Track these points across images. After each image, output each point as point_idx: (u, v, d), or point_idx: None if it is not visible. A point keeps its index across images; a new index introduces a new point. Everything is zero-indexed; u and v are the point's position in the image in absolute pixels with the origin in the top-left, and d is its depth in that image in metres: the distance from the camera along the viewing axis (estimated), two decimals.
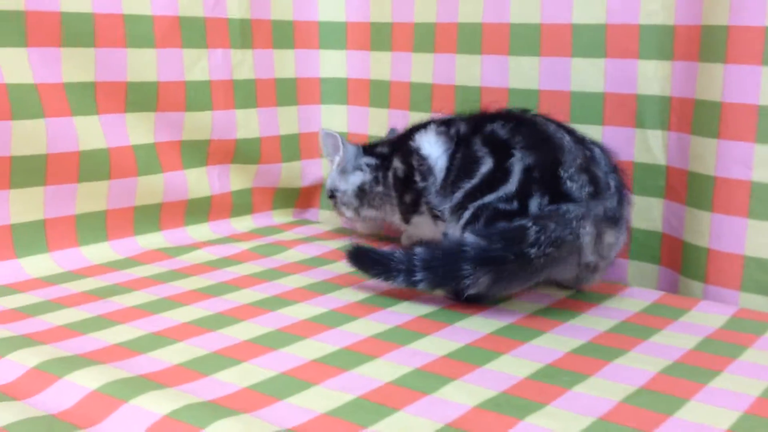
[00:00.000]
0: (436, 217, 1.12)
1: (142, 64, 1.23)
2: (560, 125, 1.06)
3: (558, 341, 0.90)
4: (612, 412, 0.73)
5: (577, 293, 1.07)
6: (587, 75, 1.18)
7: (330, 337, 0.91)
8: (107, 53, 1.19)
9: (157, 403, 0.71)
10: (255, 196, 1.45)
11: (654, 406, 0.74)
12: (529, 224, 0.93)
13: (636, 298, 1.06)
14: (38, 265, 1.14)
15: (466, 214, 1.02)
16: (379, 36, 1.41)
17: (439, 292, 1.04)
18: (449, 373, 0.81)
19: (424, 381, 0.79)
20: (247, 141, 1.40)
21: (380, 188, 1.23)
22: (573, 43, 1.18)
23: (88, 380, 0.76)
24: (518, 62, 1.23)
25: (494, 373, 0.81)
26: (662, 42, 1.12)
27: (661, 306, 1.02)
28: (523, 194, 0.98)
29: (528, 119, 1.07)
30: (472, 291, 0.94)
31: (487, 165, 1.02)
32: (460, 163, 1.06)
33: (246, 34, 1.37)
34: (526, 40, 1.22)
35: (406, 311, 1.00)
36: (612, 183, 1.01)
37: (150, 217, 1.29)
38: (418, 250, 0.97)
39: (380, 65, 1.42)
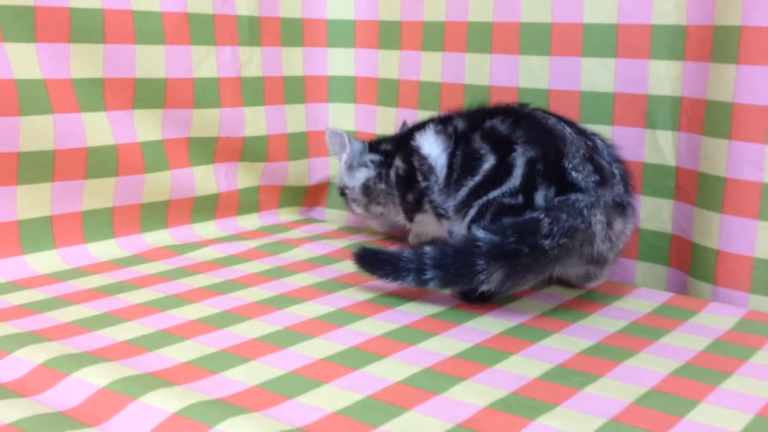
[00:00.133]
0: (440, 216, 1.11)
1: (151, 61, 1.23)
2: (560, 118, 1.06)
3: (568, 342, 0.90)
4: (623, 414, 0.73)
5: (585, 294, 1.07)
6: (597, 75, 1.18)
7: (338, 336, 0.90)
8: (116, 49, 1.19)
9: (166, 401, 0.71)
10: (262, 194, 1.44)
11: (665, 408, 0.74)
12: (542, 216, 0.93)
13: (645, 299, 1.05)
14: (45, 261, 1.13)
15: (471, 212, 1.02)
16: (387, 34, 1.41)
17: (447, 292, 1.03)
18: (459, 373, 0.81)
19: (433, 381, 0.79)
20: (255, 139, 1.39)
21: (383, 186, 1.23)
22: (584, 42, 1.18)
23: (96, 377, 0.76)
24: (528, 61, 1.23)
25: (504, 373, 0.81)
26: (674, 42, 1.12)
27: (670, 307, 1.02)
28: (527, 188, 0.98)
29: (527, 113, 1.06)
30: (485, 287, 0.93)
31: (489, 161, 1.02)
32: (462, 161, 1.06)
33: (254, 31, 1.36)
34: (537, 39, 1.22)
35: (415, 311, 0.99)
36: (617, 171, 1.02)
37: (157, 214, 1.29)
38: (428, 248, 0.97)
39: (389, 64, 1.42)
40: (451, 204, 1.07)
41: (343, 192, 1.30)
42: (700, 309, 1.01)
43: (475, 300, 1.00)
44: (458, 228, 1.04)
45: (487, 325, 0.95)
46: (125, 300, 1.01)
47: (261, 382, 0.78)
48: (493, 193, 1.00)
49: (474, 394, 0.76)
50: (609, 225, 0.98)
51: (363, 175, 1.26)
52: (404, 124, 1.32)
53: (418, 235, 1.27)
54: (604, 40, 1.16)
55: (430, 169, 1.10)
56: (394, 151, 1.21)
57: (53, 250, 1.15)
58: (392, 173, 1.20)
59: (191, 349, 0.86)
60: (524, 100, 1.20)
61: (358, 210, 1.30)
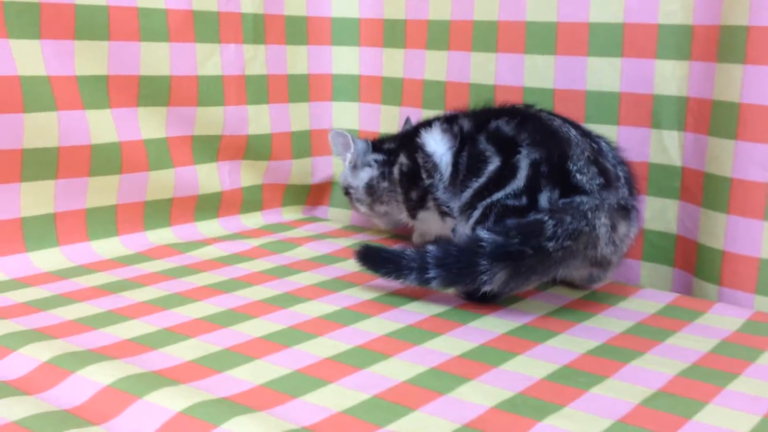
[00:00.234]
0: (443, 213, 1.11)
1: (155, 58, 1.23)
2: (565, 120, 1.05)
3: (573, 342, 0.90)
4: (630, 415, 0.72)
5: (590, 294, 1.06)
6: (603, 74, 1.17)
7: (343, 335, 0.90)
8: (120, 46, 1.19)
9: (171, 400, 0.71)
10: (265, 192, 1.44)
11: (672, 409, 0.74)
12: (546, 218, 0.93)
13: (650, 299, 1.05)
14: (48, 259, 1.13)
15: (476, 214, 1.01)
16: (392, 33, 1.41)
17: (451, 292, 1.03)
18: (465, 373, 0.80)
19: (439, 381, 0.78)
20: (258, 137, 1.39)
21: (386, 184, 1.23)
22: (590, 42, 1.17)
23: (100, 375, 0.75)
24: (534, 61, 1.22)
25: (510, 373, 0.81)
26: (680, 42, 1.11)
27: (675, 308, 1.02)
28: (531, 189, 0.98)
29: (532, 114, 1.06)
30: (487, 288, 0.93)
31: (494, 163, 1.02)
32: (467, 162, 1.06)
33: (259, 29, 1.36)
34: (542, 38, 1.21)
35: (419, 310, 0.99)
36: (621, 174, 1.02)
37: (160, 212, 1.28)
38: (431, 247, 0.97)
39: (393, 62, 1.41)
40: (456, 204, 1.07)
41: (347, 192, 1.30)
42: (705, 310, 1.01)
43: (479, 300, 1.00)
44: (463, 228, 1.04)
45: (491, 325, 0.94)
46: (129, 298, 1.00)
47: (266, 381, 0.77)
48: (497, 195, 0.99)
49: (480, 395, 0.76)
50: (613, 228, 0.97)
51: (367, 174, 1.26)
52: (407, 121, 1.32)
53: (422, 234, 1.27)
54: (610, 40, 1.16)
55: (435, 167, 1.10)
56: (398, 149, 1.21)
57: (57, 247, 1.15)
58: (396, 170, 1.20)
59: (196, 348, 0.85)
60: (529, 100, 1.20)
61: (363, 209, 1.30)
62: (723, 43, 1.05)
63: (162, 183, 1.27)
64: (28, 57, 1.09)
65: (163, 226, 1.29)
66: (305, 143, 1.47)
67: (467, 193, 1.04)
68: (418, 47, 1.37)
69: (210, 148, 1.34)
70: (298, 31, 1.42)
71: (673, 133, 1.14)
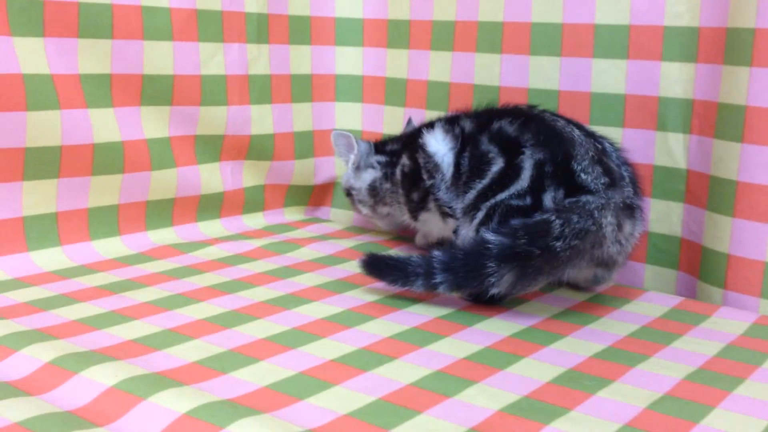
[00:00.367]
0: (445, 214, 1.11)
1: (159, 57, 1.22)
2: (569, 121, 1.05)
3: (579, 345, 0.89)
4: (638, 419, 0.72)
5: (594, 297, 1.06)
6: (608, 76, 1.17)
7: (347, 337, 0.90)
8: (124, 45, 1.18)
9: (176, 401, 0.70)
10: (267, 193, 1.44)
11: (680, 413, 0.73)
12: (553, 217, 0.92)
13: (655, 302, 1.04)
14: (50, 258, 1.13)
15: (479, 215, 1.01)
16: (396, 33, 1.40)
17: (455, 294, 1.03)
18: (470, 376, 0.80)
19: (445, 383, 0.78)
20: (261, 137, 1.38)
21: (389, 185, 1.23)
22: (595, 43, 1.17)
23: (104, 376, 0.75)
24: (539, 62, 1.22)
25: (516, 376, 0.80)
26: (686, 44, 1.11)
27: (680, 311, 1.01)
28: (535, 189, 0.97)
29: (535, 115, 1.06)
30: (495, 290, 0.93)
31: (497, 164, 1.01)
32: (470, 163, 1.05)
33: (262, 29, 1.36)
34: (548, 39, 1.21)
35: (423, 312, 0.98)
36: (626, 174, 1.02)
37: (162, 212, 1.28)
38: (436, 252, 0.96)
39: (397, 63, 1.41)
40: (459, 205, 1.06)
41: (349, 193, 1.30)
42: (710, 313, 1.00)
43: (485, 302, 0.99)
44: (466, 230, 1.04)
45: (496, 328, 0.94)
46: (131, 298, 1.00)
47: (271, 383, 0.77)
48: (501, 196, 0.99)
49: (486, 398, 0.75)
50: (619, 227, 0.97)
51: (369, 176, 1.26)
52: (409, 121, 1.31)
53: (425, 236, 1.26)
54: (615, 41, 1.16)
55: (436, 167, 1.09)
56: (401, 151, 1.21)
57: (58, 247, 1.15)
58: (398, 171, 1.20)
59: (199, 349, 0.85)
60: (534, 102, 1.19)
61: (365, 210, 1.29)
62: (729, 46, 1.05)
63: (164, 183, 1.26)
64: (31, 55, 1.09)
65: (165, 226, 1.28)
66: (308, 144, 1.46)
67: (470, 195, 1.03)
68: (422, 48, 1.37)
69: (213, 148, 1.33)
70: (301, 31, 1.42)
71: (678, 136, 1.14)
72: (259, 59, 1.36)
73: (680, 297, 1.08)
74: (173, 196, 1.28)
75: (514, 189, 0.98)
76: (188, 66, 1.26)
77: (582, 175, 0.97)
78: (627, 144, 1.13)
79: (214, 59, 1.29)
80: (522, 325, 0.95)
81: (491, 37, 1.26)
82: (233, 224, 1.38)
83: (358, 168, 1.27)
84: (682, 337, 0.92)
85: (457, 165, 1.07)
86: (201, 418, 0.68)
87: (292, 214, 1.48)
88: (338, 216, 1.51)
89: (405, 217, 1.23)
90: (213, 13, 1.28)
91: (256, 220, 1.42)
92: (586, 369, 0.82)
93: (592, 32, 1.17)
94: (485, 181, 1.02)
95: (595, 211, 0.94)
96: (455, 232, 1.08)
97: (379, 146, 1.27)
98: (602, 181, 0.97)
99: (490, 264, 0.91)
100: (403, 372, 0.80)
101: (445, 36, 1.33)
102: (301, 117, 1.45)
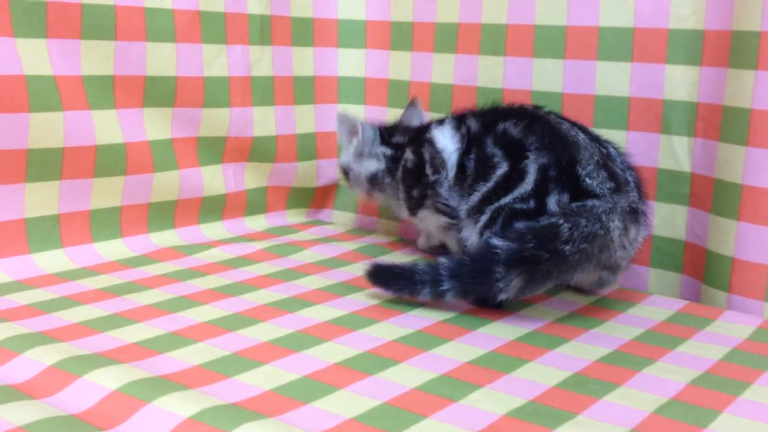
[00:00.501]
0: (439, 211, 1.11)
1: (161, 59, 1.22)
2: (573, 124, 1.05)
3: (584, 349, 0.89)
4: (644, 423, 0.71)
5: (598, 300, 1.06)
6: (612, 79, 1.16)
7: (351, 341, 0.89)
8: (127, 46, 1.18)
9: (180, 405, 0.70)
10: (269, 195, 1.43)
11: (686, 418, 0.73)
12: (561, 221, 0.92)
13: (659, 306, 1.04)
14: (52, 260, 1.12)
15: (483, 218, 1.01)
16: (399, 35, 1.40)
17: None
18: (475, 380, 0.79)
19: (450, 387, 0.78)
20: (264, 139, 1.38)
21: (389, 179, 1.22)
22: (599, 46, 1.17)
23: (108, 380, 0.74)
24: (542, 65, 1.22)
25: (521, 380, 0.80)
26: (691, 47, 1.10)
27: (685, 315, 1.01)
28: (539, 193, 0.97)
29: (541, 117, 1.05)
30: (504, 296, 0.92)
31: (502, 168, 1.01)
32: (475, 166, 1.05)
33: (265, 30, 1.35)
34: (551, 42, 1.20)
35: (427, 315, 0.98)
36: (630, 179, 1.02)
37: (164, 214, 1.27)
38: (442, 259, 0.96)
39: (400, 65, 1.40)
40: (463, 207, 1.06)
41: (345, 172, 1.28)
42: (715, 317, 1.00)
43: (490, 306, 0.99)
44: (469, 233, 1.03)
45: (501, 332, 0.93)
46: (134, 301, 0.99)
47: (275, 387, 0.77)
48: (505, 199, 0.99)
49: (492, 402, 0.75)
50: (625, 230, 0.97)
51: (373, 166, 1.23)
52: (413, 102, 1.29)
53: (428, 238, 1.26)
54: (620, 44, 1.15)
55: (443, 163, 1.09)
56: (406, 145, 1.19)
57: (60, 249, 1.14)
58: (400, 167, 1.19)
59: (203, 352, 0.84)
60: (538, 104, 1.19)
61: (358, 191, 1.27)
62: (734, 49, 1.04)
63: (167, 184, 1.26)
64: (34, 56, 1.08)
65: (168, 228, 1.28)
66: (310, 146, 1.46)
67: (475, 197, 1.03)
68: (425, 50, 1.36)
69: (215, 150, 1.33)
70: (304, 32, 1.41)
71: (682, 139, 1.13)
72: (262, 61, 1.36)
73: (685, 301, 1.07)
74: (175, 198, 1.28)
75: (518, 192, 0.98)
76: (191, 67, 1.26)
77: (587, 179, 0.97)
78: (631, 147, 1.13)
79: (216, 61, 1.29)
80: (526, 328, 0.95)
81: (494, 40, 1.26)
82: (235, 226, 1.37)
83: (360, 154, 1.25)
84: (687, 341, 0.92)
85: (461, 166, 1.07)
86: (205, 422, 0.67)
87: (295, 217, 1.48)
88: (341, 218, 1.51)
89: (403, 213, 1.22)
90: (216, 14, 1.28)
91: (258, 222, 1.41)
92: (592, 373, 0.82)
93: (596, 35, 1.17)
94: (490, 184, 1.01)
95: (603, 215, 0.94)
96: (459, 232, 1.07)
97: (386, 136, 1.25)
98: (607, 185, 0.97)
99: (498, 269, 0.91)
100: (408, 376, 0.80)
101: (448, 38, 1.32)
102: (304, 119, 1.44)
